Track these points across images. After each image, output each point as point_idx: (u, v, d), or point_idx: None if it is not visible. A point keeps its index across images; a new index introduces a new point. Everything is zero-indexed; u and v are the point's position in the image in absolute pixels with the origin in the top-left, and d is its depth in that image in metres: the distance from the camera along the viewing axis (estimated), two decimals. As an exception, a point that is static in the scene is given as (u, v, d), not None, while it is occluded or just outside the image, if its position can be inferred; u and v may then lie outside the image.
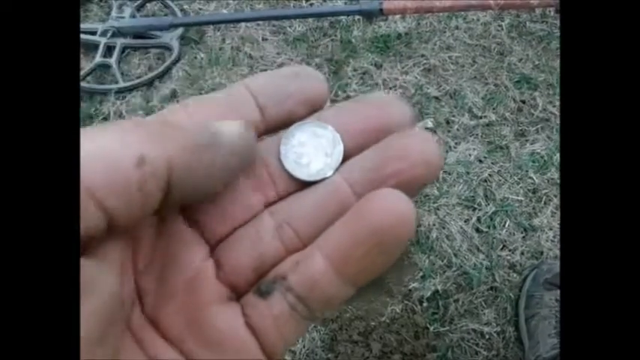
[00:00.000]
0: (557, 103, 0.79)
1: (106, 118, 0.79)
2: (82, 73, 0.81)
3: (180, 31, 0.86)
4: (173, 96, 0.83)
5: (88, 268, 0.10)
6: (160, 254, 0.12)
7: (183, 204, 0.12)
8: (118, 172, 0.10)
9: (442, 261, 0.69)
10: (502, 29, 0.85)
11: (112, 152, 0.10)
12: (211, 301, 0.12)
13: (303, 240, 0.12)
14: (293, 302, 0.11)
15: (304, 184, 0.12)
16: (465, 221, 0.71)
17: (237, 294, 0.12)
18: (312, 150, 0.12)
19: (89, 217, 0.09)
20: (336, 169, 0.12)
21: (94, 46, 0.84)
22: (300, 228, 0.12)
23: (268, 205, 0.12)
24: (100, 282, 0.10)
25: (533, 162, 0.74)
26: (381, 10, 0.76)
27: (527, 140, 0.76)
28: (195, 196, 0.11)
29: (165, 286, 0.12)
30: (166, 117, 0.12)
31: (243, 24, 0.87)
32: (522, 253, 0.69)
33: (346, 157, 0.12)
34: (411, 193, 0.11)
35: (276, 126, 0.13)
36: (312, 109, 0.13)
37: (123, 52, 0.86)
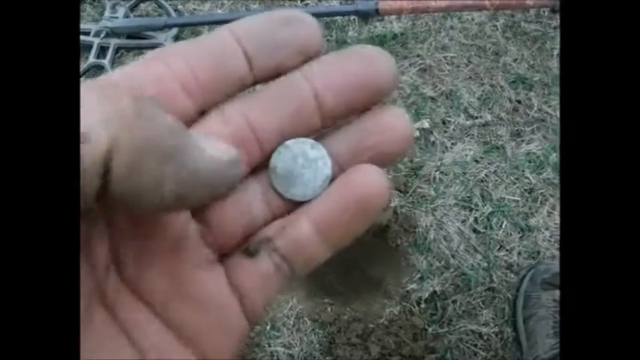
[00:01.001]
0: (553, 103, 0.79)
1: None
2: (74, 74, 0.80)
3: (174, 31, 0.85)
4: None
5: None
6: (138, 221, 0.12)
7: (124, 205, 0.10)
8: None
9: (440, 262, 0.68)
10: (497, 29, 0.85)
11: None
12: (195, 263, 0.12)
13: (288, 207, 0.13)
14: (278, 262, 0.12)
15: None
16: (462, 222, 0.71)
17: (221, 256, 0.12)
18: (299, 167, 0.12)
19: None
20: (321, 192, 0.12)
21: (88, 47, 0.83)
22: None
23: (254, 169, 0.13)
24: None
25: (529, 162, 0.74)
26: (376, 10, 0.76)
27: (523, 140, 0.77)
28: (137, 202, 0.10)
29: (146, 251, 0.12)
30: (141, 74, 0.11)
31: (238, 24, 0.87)
32: (519, 254, 0.69)
33: (332, 115, 0.12)
34: (384, 165, 0.12)
35: (265, 78, 0.12)
36: (304, 59, 0.12)
37: (117, 52, 0.85)
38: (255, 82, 0.12)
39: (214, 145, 0.11)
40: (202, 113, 0.12)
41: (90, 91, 0.09)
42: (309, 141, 0.12)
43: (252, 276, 0.12)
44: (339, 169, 0.13)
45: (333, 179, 0.12)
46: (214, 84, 0.12)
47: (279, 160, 0.12)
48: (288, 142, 0.12)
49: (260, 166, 0.13)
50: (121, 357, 0.11)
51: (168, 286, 0.12)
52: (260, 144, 0.12)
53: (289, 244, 0.12)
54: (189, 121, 0.12)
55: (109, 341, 0.11)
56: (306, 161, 0.12)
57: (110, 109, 0.09)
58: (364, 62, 0.12)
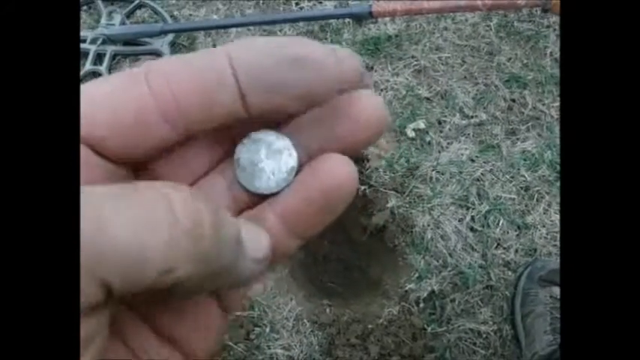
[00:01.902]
0: (547, 101, 0.80)
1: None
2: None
3: (170, 37, 0.86)
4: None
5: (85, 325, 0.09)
6: None
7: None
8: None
9: (437, 261, 0.69)
10: (490, 29, 0.86)
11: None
12: None
13: (254, 200, 0.12)
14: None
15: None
16: (459, 221, 0.71)
17: None
18: (263, 158, 0.12)
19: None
20: (286, 186, 0.12)
21: (84, 54, 0.84)
22: None
23: (219, 163, 0.12)
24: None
25: (525, 160, 0.75)
26: (370, 12, 0.77)
27: (518, 139, 0.77)
28: (172, 295, 0.10)
29: None
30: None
31: (233, 29, 0.87)
32: (516, 251, 0.69)
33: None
34: (357, 151, 0.12)
35: (258, 116, 0.11)
36: (310, 106, 0.11)
37: (113, 59, 0.86)
38: (250, 118, 0.11)
39: (255, 242, 0.10)
40: (190, 137, 0.11)
41: (174, 200, 0.09)
42: (274, 132, 0.12)
43: None
44: (309, 159, 0.12)
45: (300, 171, 0.12)
46: (198, 113, 0.11)
47: (243, 152, 0.12)
48: (253, 134, 0.12)
49: (225, 160, 0.12)
50: (111, 356, 0.11)
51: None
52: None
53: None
54: (172, 146, 0.11)
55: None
56: (270, 152, 0.12)
57: (182, 229, 0.09)
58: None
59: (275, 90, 0.10)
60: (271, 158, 0.12)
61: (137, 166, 0.12)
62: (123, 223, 0.08)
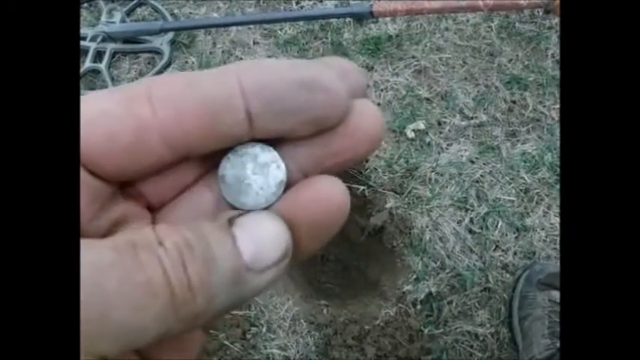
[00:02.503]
0: (548, 103, 0.79)
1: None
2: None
3: (170, 35, 0.86)
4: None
5: None
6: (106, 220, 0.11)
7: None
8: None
9: (435, 263, 0.68)
10: (492, 30, 0.86)
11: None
12: None
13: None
14: None
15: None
16: (458, 222, 0.71)
17: None
18: (250, 173, 0.11)
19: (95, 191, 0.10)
20: (276, 201, 0.11)
21: (84, 52, 0.84)
22: None
23: (206, 174, 0.12)
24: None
25: (525, 162, 0.74)
26: (371, 12, 0.76)
27: (518, 140, 0.77)
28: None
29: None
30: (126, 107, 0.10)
31: (234, 28, 0.87)
32: (515, 254, 0.69)
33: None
34: (353, 165, 0.11)
35: (265, 138, 0.11)
36: (318, 130, 0.11)
37: (113, 57, 0.86)
38: (252, 139, 0.11)
39: (267, 244, 0.10)
40: (185, 159, 0.11)
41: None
42: (259, 144, 0.11)
43: None
44: (302, 174, 0.11)
45: (289, 184, 0.11)
46: (201, 138, 0.10)
47: (228, 168, 0.11)
48: (237, 147, 0.11)
49: (212, 171, 0.12)
50: None
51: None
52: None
53: None
54: (165, 167, 0.11)
55: None
56: (256, 167, 0.11)
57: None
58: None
59: (286, 114, 0.10)
60: (258, 173, 0.11)
61: (125, 183, 0.11)
62: (125, 304, 0.09)
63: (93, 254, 0.09)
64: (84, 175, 0.10)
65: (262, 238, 0.10)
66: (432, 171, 0.74)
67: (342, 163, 0.11)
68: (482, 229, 0.70)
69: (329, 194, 0.11)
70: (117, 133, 0.10)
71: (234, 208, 0.11)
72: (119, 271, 0.09)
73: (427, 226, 0.70)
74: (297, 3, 0.90)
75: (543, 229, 0.70)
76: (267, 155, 0.11)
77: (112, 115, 0.10)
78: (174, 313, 0.09)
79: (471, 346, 0.64)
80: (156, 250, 0.09)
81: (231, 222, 0.10)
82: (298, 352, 0.64)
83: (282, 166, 0.11)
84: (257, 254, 0.10)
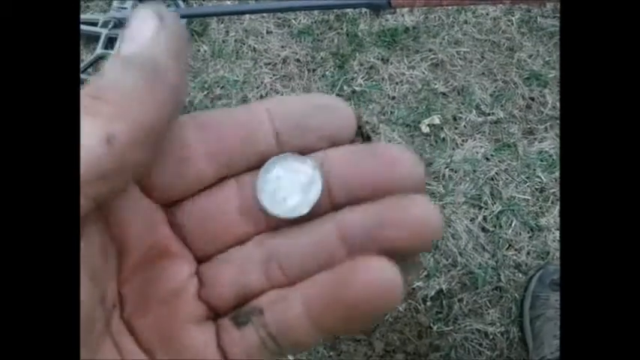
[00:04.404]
0: (567, 101, 0.78)
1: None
2: (82, 64, 0.80)
3: (182, 22, 0.84)
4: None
5: None
6: (146, 264, 0.12)
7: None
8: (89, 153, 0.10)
9: (447, 260, 0.68)
10: (512, 24, 0.83)
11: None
12: (188, 318, 0.12)
13: (288, 277, 0.12)
14: (265, 338, 0.12)
15: (281, 221, 0.12)
16: (471, 220, 0.70)
17: (215, 313, 0.12)
18: (288, 185, 0.12)
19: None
20: (313, 207, 0.12)
21: (95, 38, 0.83)
22: (286, 267, 0.12)
23: (257, 233, 0.12)
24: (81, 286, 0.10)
25: (541, 161, 0.73)
26: (389, 2, 0.74)
27: (535, 138, 0.75)
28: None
29: (145, 296, 0.12)
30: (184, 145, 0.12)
31: (247, 16, 0.86)
32: (528, 253, 0.68)
33: (332, 197, 0.12)
34: (403, 258, 0.11)
35: (286, 151, 0.12)
36: (332, 145, 0.12)
37: (125, 43, 0.85)
38: (277, 154, 0.12)
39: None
40: (222, 179, 0.12)
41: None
42: (297, 156, 0.12)
43: (237, 344, 0.12)
44: (351, 247, 0.11)
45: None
46: (239, 154, 0.12)
47: (266, 175, 0.12)
48: (275, 158, 0.12)
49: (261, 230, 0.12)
50: (104, 350, 0.11)
51: (159, 335, 0.12)
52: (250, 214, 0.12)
53: (278, 323, 0.12)
54: (206, 185, 0.12)
55: None
56: (294, 178, 0.12)
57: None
58: (383, 162, 0.11)
59: (307, 131, 0.12)
60: (295, 186, 0.12)
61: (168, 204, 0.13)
62: None
63: None
64: (139, 196, 0.12)
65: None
66: (446, 167, 0.73)
67: (393, 250, 0.11)
68: (495, 227, 0.69)
69: (379, 277, 0.11)
70: (165, 152, 0.12)
71: (266, 213, 0.12)
72: None
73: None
74: (312, -9, 0.88)
75: (558, 229, 0.69)
76: (306, 169, 0.12)
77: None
78: None
79: (480, 344, 0.64)
80: None
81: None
82: (307, 345, 0.64)
83: (319, 181, 0.12)
84: None
